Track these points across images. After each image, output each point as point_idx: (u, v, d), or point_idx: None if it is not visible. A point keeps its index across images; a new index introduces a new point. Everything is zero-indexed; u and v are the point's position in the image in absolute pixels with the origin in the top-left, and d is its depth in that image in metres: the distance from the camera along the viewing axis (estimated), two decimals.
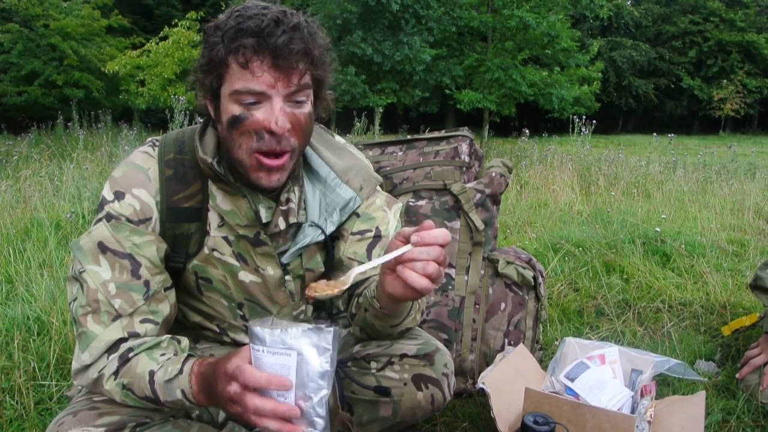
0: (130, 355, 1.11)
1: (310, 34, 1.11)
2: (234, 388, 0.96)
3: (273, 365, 0.94)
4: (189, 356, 1.13)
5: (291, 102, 1.11)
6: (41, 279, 2.58)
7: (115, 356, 1.11)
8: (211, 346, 1.38)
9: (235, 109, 1.10)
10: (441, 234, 0.98)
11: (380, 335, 1.33)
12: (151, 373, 1.08)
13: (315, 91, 1.17)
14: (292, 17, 1.10)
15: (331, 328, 0.95)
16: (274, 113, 1.09)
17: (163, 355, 1.12)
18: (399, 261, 0.99)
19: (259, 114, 1.09)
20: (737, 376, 1.99)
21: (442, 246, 0.98)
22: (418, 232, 0.98)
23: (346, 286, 1.02)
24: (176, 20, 12.90)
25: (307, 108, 1.14)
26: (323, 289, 1.00)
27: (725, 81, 32.23)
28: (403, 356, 1.32)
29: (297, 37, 1.08)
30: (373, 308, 1.22)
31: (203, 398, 1.06)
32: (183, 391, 1.06)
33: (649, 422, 1.60)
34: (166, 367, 1.08)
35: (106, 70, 12.83)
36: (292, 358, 0.93)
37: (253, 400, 0.95)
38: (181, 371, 1.07)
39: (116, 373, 1.10)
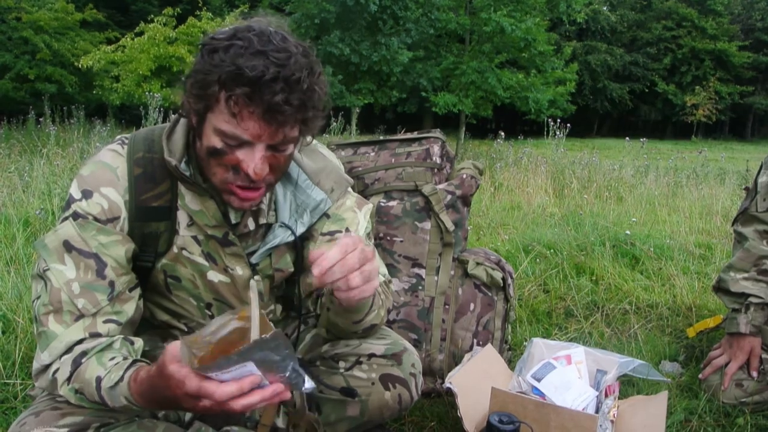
0: (83, 360, 1.09)
1: (309, 91, 1.05)
2: (207, 403, 0.92)
3: (234, 377, 0.91)
4: (134, 362, 1.10)
5: (274, 148, 1.10)
6: (8, 276, 2.54)
7: (68, 358, 1.09)
8: None
9: (217, 143, 1.07)
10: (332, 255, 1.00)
11: (345, 333, 1.34)
12: (98, 380, 1.06)
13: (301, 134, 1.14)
14: (295, 68, 1.02)
15: (268, 334, 0.89)
16: (254, 160, 1.07)
17: (112, 359, 1.10)
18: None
19: (240, 154, 1.08)
20: (700, 376, 2.03)
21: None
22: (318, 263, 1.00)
23: None
24: (152, 16, 12.75)
25: (290, 150, 1.13)
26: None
27: (698, 87, 32.88)
28: (371, 356, 1.33)
29: (294, 95, 1.02)
30: (333, 305, 1.23)
31: (154, 405, 1.04)
32: (126, 398, 1.04)
33: (612, 421, 1.63)
34: (111, 373, 1.06)
35: (80, 65, 12.63)
36: (249, 365, 0.90)
37: (239, 402, 0.91)
38: (122, 378, 1.04)
39: (69, 378, 1.09)
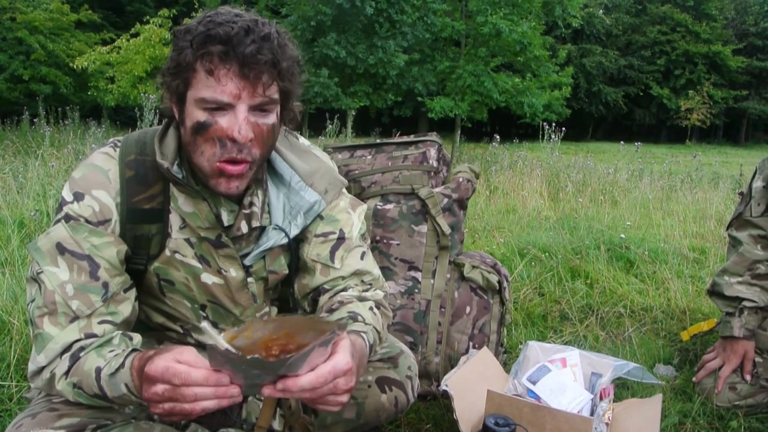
0: (81, 354, 1.09)
1: (280, 46, 1.10)
2: (160, 388, 0.91)
3: None
4: (134, 350, 1.09)
5: (256, 112, 1.12)
6: (2, 278, 2.53)
7: (67, 355, 1.09)
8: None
9: (200, 115, 1.10)
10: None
11: None
12: (98, 370, 1.06)
13: (282, 103, 1.17)
14: (263, 27, 1.09)
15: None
16: (238, 122, 1.09)
17: (111, 351, 1.10)
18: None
19: (223, 121, 1.10)
20: (694, 379, 2.04)
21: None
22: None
23: None
24: (148, 17, 12.69)
25: (272, 119, 1.15)
26: None
27: (692, 92, 33.02)
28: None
29: (266, 47, 1.08)
30: None
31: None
32: (126, 385, 1.02)
33: (606, 424, 1.64)
34: (111, 362, 1.06)
35: (75, 66, 12.57)
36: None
37: (192, 390, 0.89)
38: (122, 365, 1.03)
39: (67, 372, 1.08)
